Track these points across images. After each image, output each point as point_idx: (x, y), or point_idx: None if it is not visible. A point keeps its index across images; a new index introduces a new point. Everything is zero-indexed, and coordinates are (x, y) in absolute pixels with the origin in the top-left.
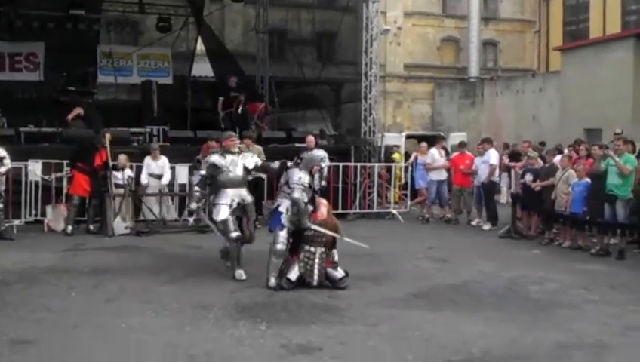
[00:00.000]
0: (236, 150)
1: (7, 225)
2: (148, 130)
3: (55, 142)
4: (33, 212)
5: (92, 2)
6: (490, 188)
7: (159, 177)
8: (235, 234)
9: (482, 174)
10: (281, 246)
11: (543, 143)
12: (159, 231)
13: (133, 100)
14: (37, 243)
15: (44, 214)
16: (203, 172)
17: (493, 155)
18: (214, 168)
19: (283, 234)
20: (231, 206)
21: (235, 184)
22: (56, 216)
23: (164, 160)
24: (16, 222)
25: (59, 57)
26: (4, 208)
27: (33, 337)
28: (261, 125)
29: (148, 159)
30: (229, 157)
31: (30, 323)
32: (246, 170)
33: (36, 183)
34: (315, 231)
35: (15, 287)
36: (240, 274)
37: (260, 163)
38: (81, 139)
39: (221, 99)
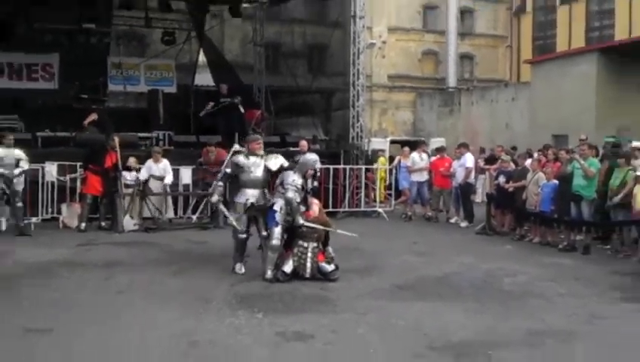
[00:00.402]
0: (261, 153)
1: (25, 222)
2: (154, 134)
3: (69, 145)
4: (49, 210)
5: (103, 17)
6: (466, 189)
7: (160, 178)
8: (241, 236)
9: (459, 176)
10: (276, 241)
11: (514, 148)
12: (165, 228)
13: (140, 107)
14: (53, 239)
15: (59, 212)
16: (228, 169)
17: (469, 159)
18: (237, 167)
19: (278, 231)
20: (245, 204)
21: (254, 185)
22: (70, 214)
23: (165, 162)
24: (34, 219)
25: (72, 68)
26: (24, 206)
27: (47, 326)
28: (258, 131)
29: (150, 162)
30: (252, 158)
31: (45, 314)
32: (268, 172)
33: (52, 183)
34: (308, 227)
35: (33, 280)
36: (240, 267)
37: (285, 164)
38: (92, 143)
39: (211, 103)
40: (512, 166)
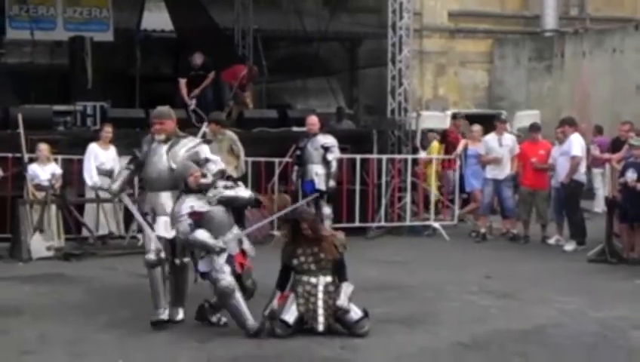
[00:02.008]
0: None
1: None
2: (79, 107)
3: None
4: None
5: None
6: (574, 191)
7: (110, 173)
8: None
9: (562, 170)
10: (225, 281)
11: None
12: (96, 252)
13: (57, 65)
14: None
15: None
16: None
17: (576, 143)
18: None
19: (220, 263)
20: None
21: None
22: None
23: (113, 149)
24: None
25: None
26: None
27: None
28: (243, 99)
29: (95, 147)
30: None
31: None
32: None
33: None
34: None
35: None
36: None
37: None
38: None
39: (182, 81)
40: None
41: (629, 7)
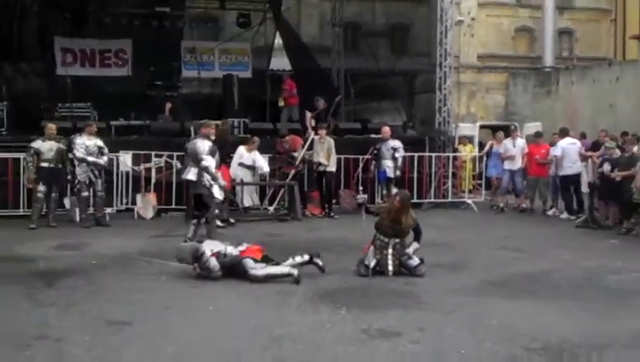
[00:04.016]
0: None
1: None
2: (230, 122)
3: (143, 134)
4: (124, 200)
5: (176, 0)
6: (567, 180)
7: (250, 168)
8: None
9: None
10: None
11: (625, 133)
12: (240, 219)
13: (215, 93)
14: (129, 230)
15: (134, 203)
16: None
17: (558, 147)
18: None
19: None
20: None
21: None
22: (145, 204)
23: (255, 152)
24: (109, 210)
25: (145, 53)
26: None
27: (128, 318)
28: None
29: (242, 149)
30: None
31: (124, 305)
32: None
33: (127, 173)
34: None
35: (110, 271)
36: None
37: None
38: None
39: (309, 114)
40: (618, 152)
41: (604, 49)
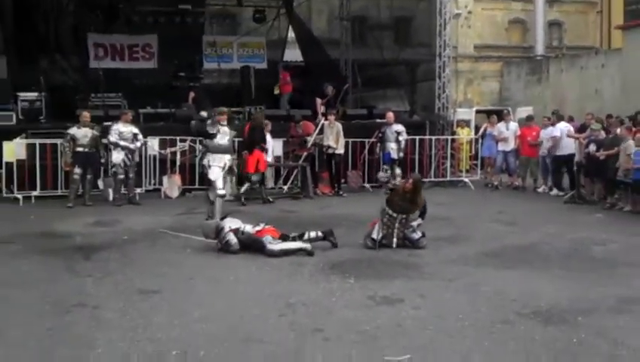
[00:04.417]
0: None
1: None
2: (247, 109)
3: (169, 121)
4: (152, 181)
5: None
6: (558, 160)
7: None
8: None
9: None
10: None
11: (610, 116)
12: (257, 198)
13: (233, 83)
14: (157, 208)
15: (161, 183)
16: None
17: (557, 129)
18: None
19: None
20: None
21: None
22: (171, 185)
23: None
24: (138, 190)
25: (170, 47)
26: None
27: (157, 287)
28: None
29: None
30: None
31: (154, 276)
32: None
33: (154, 157)
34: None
35: (140, 245)
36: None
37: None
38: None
39: (319, 100)
40: (603, 134)
41: (591, 39)
